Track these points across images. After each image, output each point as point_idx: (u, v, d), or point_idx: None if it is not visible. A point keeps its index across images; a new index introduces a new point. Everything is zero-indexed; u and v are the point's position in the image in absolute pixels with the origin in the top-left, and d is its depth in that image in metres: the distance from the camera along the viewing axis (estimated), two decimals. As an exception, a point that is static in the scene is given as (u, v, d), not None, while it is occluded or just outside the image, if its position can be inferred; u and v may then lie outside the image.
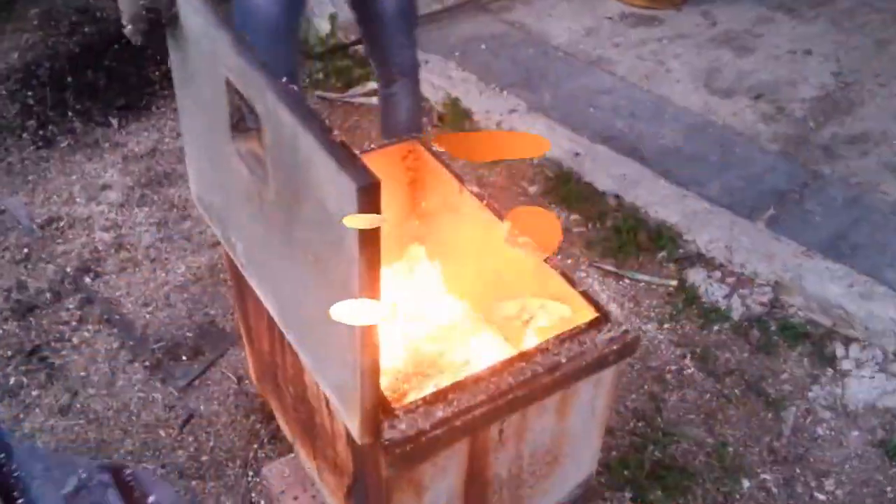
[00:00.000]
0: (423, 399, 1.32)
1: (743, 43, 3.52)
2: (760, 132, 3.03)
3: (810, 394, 2.21)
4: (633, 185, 2.64)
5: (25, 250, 2.65)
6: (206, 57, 1.32)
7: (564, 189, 2.74)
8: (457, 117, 3.05)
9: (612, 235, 2.61)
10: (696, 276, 2.47)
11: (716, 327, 2.38)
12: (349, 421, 1.27)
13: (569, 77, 3.24)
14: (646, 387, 2.21)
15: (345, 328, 1.09)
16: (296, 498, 1.91)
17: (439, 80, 3.14)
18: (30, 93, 3.28)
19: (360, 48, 3.38)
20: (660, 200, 2.58)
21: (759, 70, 3.34)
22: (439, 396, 1.33)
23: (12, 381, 2.27)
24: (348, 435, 1.37)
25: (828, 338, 2.33)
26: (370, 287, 1.05)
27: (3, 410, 2.19)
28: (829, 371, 2.26)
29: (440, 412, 1.31)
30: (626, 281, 2.51)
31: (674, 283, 2.48)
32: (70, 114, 3.21)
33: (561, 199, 2.75)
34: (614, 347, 1.45)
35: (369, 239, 1.00)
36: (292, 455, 1.96)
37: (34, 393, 2.24)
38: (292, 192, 1.18)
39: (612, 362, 1.46)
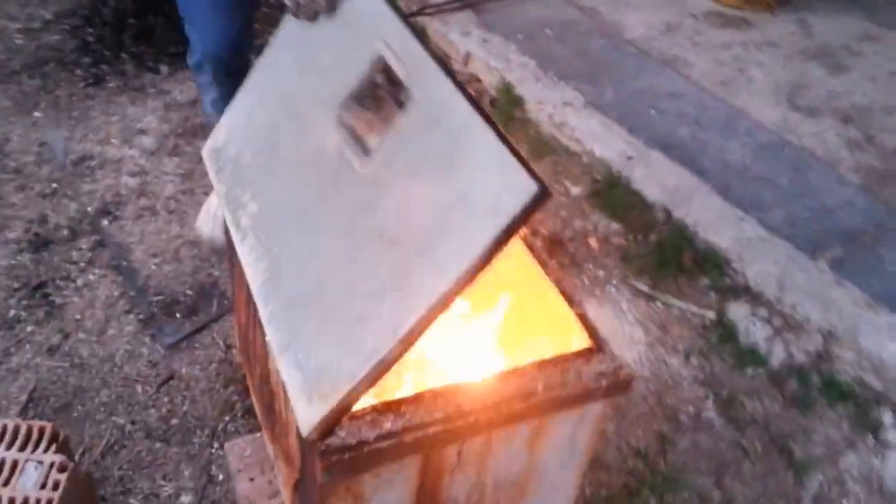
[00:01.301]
0: (373, 407, 1.16)
1: (838, 59, 3.17)
2: (842, 159, 2.72)
3: (843, 461, 1.94)
4: (685, 199, 2.40)
5: (54, 185, 2.61)
6: (356, 30, 1.34)
7: (610, 194, 2.52)
8: (508, 104, 2.85)
9: (654, 252, 2.38)
10: (738, 310, 2.22)
11: (749, 371, 2.12)
12: (302, 411, 1.13)
13: (636, 74, 2.99)
14: (655, 424, 1.99)
15: (394, 314, 1.08)
16: (252, 479, 1.79)
17: (496, 61, 2.94)
18: (90, 30, 3.27)
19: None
20: (712, 221, 2.33)
21: (851, 91, 3.00)
22: (391, 407, 1.17)
23: (12, 313, 2.22)
24: (298, 429, 1.24)
25: (875, 402, 2.03)
26: (467, 281, 1.05)
27: (-3, 341, 2.16)
28: (870, 440, 1.99)
29: (389, 424, 1.15)
30: (659, 304, 2.27)
31: (712, 314, 2.23)
32: (124, 55, 3.17)
33: (604, 204, 2.53)
34: (603, 384, 1.26)
35: (504, 238, 1.03)
36: (259, 434, 1.85)
37: (29, 329, 2.18)
38: (410, 173, 1.16)
39: (599, 399, 1.28)
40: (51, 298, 2.27)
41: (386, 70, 1.25)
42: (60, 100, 2.97)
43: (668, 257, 2.33)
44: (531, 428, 1.26)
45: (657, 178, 2.47)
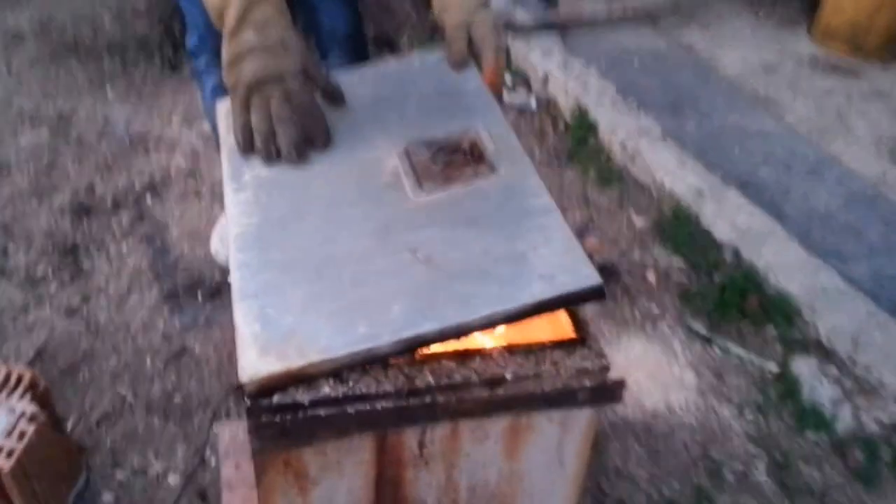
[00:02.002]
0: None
1: (954, 119, 2.92)
2: (946, 224, 2.46)
3: (909, 549, 1.69)
4: (757, 241, 2.20)
5: (109, 158, 2.67)
6: (454, 100, 1.36)
7: (675, 229, 2.35)
8: (580, 129, 2.74)
9: (716, 293, 2.18)
10: (804, 366, 1.99)
11: (810, 435, 1.88)
12: (248, 361, 1.00)
13: (725, 111, 2.82)
14: (695, 478, 1.78)
15: (403, 317, 1.03)
16: (237, 466, 1.70)
17: (574, 84, 2.84)
18: (177, 22, 3.39)
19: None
20: (786, 266, 2.12)
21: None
22: (333, 373, 1.02)
23: (39, 272, 2.25)
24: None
25: (957, 487, 1.78)
26: (490, 325, 1.06)
27: (19, 296, 2.18)
28: (945, 529, 1.72)
29: (328, 389, 1.04)
30: (716, 349, 2.07)
31: (774, 366, 2.01)
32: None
33: (668, 239, 2.36)
34: (586, 384, 1.10)
35: (546, 308, 1.06)
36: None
37: (52, 288, 2.20)
38: (467, 220, 1.16)
39: (583, 403, 1.12)
40: (80, 262, 2.28)
41: (473, 143, 1.24)
42: (134, 80, 3.07)
43: (732, 300, 2.13)
44: (504, 427, 1.12)
45: (729, 217, 2.28)
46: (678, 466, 1.81)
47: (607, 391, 1.11)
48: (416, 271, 1.09)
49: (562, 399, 1.09)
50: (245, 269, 1.12)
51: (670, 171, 2.46)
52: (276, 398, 1.00)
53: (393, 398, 1.04)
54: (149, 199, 2.50)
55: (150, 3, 3.44)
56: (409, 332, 1.01)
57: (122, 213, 2.45)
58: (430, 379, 1.05)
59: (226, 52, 1.18)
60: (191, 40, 1.97)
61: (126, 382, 1.96)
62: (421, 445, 1.11)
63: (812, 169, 2.55)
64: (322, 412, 1.02)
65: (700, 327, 2.11)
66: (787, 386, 1.96)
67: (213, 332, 2.09)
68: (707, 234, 2.28)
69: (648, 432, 1.86)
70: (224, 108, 1.43)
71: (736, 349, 2.06)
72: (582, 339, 1.11)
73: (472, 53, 1.30)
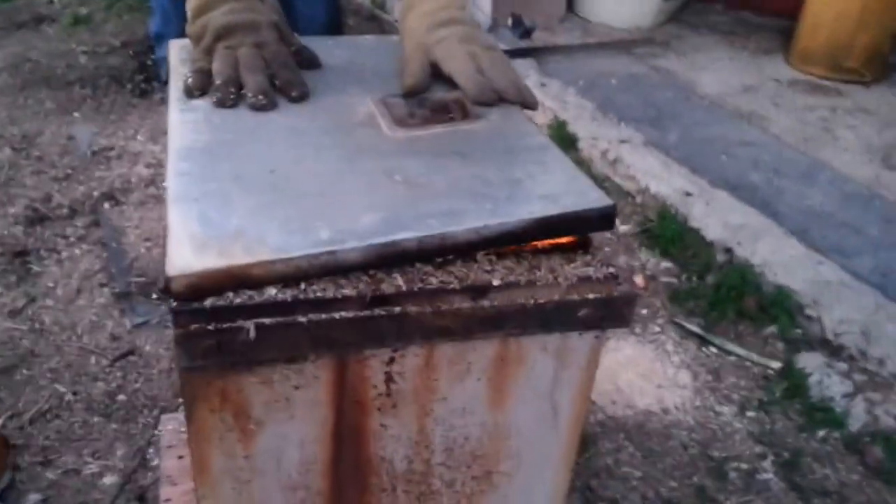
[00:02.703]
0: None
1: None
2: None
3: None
4: (752, 238, 2.05)
5: (69, 171, 2.51)
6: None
7: (662, 231, 2.20)
8: (561, 142, 2.63)
9: (709, 293, 2.02)
10: (810, 361, 1.81)
11: (820, 433, 1.70)
12: (179, 255, 0.79)
13: (707, 124, 2.73)
14: (696, 477, 1.58)
15: (376, 226, 0.86)
16: (181, 457, 1.48)
17: (552, 102, 2.75)
18: (153, 56, 3.30)
19: None
20: (784, 262, 1.97)
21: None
22: (284, 272, 0.81)
23: (-17, 276, 2.06)
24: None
25: None
26: (481, 241, 0.91)
27: (-44, 300, 1.97)
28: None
29: (274, 291, 0.85)
30: (713, 349, 1.90)
31: (776, 364, 1.84)
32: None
33: (655, 242, 2.21)
34: (588, 296, 0.92)
35: (546, 227, 0.91)
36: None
37: (-5, 291, 2.01)
38: (454, 152, 1.00)
39: (584, 323, 0.93)
40: (29, 266, 2.10)
41: (457, 99, 1.09)
42: (103, 105, 2.95)
43: (727, 299, 1.97)
44: (489, 356, 0.92)
45: (720, 216, 2.15)
46: (675, 466, 1.61)
47: (614, 308, 0.92)
48: (393, 190, 0.91)
49: (559, 316, 0.91)
50: (186, 176, 0.93)
51: (655, 174, 2.33)
52: (209, 301, 0.81)
53: (355, 306, 0.85)
54: (106, 206, 2.33)
55: (125, 41, 3.38)
56: (379, 240, 0.83)
57: (78, 219, 2.28)
58: (401, 283, 0.86)
59: (191, 2, 1.07)
60: (154, 24, 1.85)
61: (67, 381, 1.76)
62: (388, 378, 0.91)
63: (803, 173, 2.44)
64: (267, 321, 0.82)
65: (694, 327, 1.94)
66: (792, 383, 1.79)
67: (167, 332, 1.89)
68: (696, 235, 2.14)
69: (642, 432, 1.67)
70: (178, 44, 1.29)
71: (734, 348, 1.89)
72: (584, 244, 0.94)
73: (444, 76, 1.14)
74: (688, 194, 2.23)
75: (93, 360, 1.81)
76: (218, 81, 1.03)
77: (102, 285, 2.02)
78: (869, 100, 3.00)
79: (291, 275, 0.82)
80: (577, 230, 0.92)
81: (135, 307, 1.96)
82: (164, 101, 2.99)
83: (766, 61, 3.32)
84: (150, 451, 1.60)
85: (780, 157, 2.54)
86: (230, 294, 0.81)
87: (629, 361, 1.83)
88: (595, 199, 0.92)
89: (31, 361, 1.80)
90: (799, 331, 1.90)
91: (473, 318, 0.89)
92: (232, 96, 1.02)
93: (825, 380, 1.77)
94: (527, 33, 3.24)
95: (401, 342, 0.88)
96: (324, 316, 0.84)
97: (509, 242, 0.89)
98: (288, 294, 0.82)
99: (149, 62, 3.23)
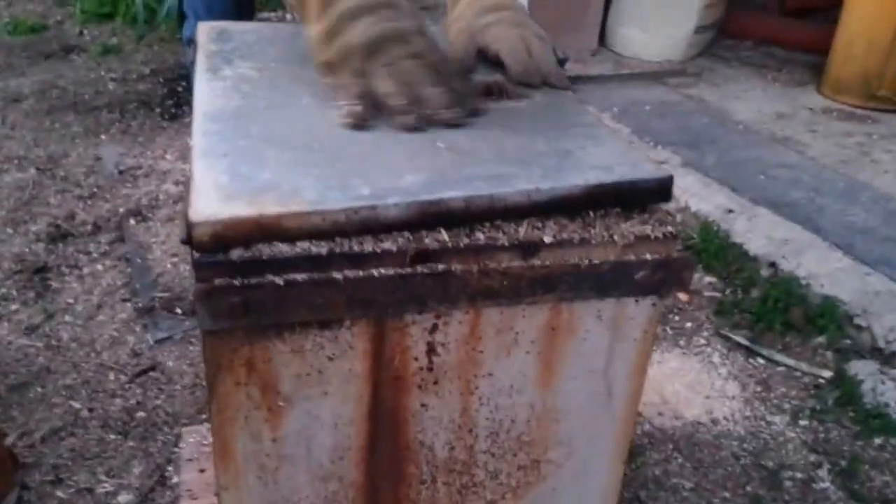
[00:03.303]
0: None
1: None
2: None
3: None
4: (796, 252, 1.97)
5: (95, 189, 2.48)
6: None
7: (703, 247, 2.12)
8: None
9: (755, 306, 1.93)
10: (862, 369, 1.71)
11: (877, 440, 1.59)
12: (206, 202, 0.73)
13: (743, 147, 2.66)
14: (749, 487, 1.46)
15: (420, 186, 0.80)
16: (202, 471, 1.39)
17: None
18: (182, 83, 3.29)
19: None
20: (831, 273, 1.88)
21: None
22: (320, 227, 0.74)
23: (2, 291, 2.00)
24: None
25: None
26: (530, 205, 0.88)
27: (-26, 315, 1.92)
28: None
29: (309, 245, 0.78)
30: (760, 361, 1.80)
31: (827, 373, 1.74)
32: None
33: (695, 256, 2.12)
34: (646, 256, 0.84)
35: (597, 195, 0.86)
36: (225, 424, 1.47)
37: (13, 307, 1.94)
38: (496, 123, 0.95)
39: (642, 287, 0.85)
40: (48, 282, 2.05)
41: (498, 82, 1.03)
42: (131, 128, 2.93)
43: (773, 311, 1.88)
44: (538, 325, 0.84)
45: (763, 231, 2.07)
46: (727, 476, 1.50)
47: (673, 270, 0.85)
48: (437, 155, 0.85)
49: (615, 279, 0.83)
50: (214, 135, 0.88)
51: (695, 193, 2.26)
52: (236, 253, 0.74)
53: (396, 262, 0.78)
54: (132, 223, 2.28)
55: (155, 68, 3.38)
56: (424, 198, 0.76)
57: (102, 236, 2.23)
58: (446, 238, 0.79)
59: (319, 27, 0.93)
60: (188, 29, 1.82)
61: (83, 398, 1.68)
62: (430, 350, 0.84)
63: (844, 192, 2.35)
64: (299, 276, 0.75)
65: (741, 339, 1.84)
66: (845, 391, 1.68)
67: (191, 347, 1.82)
68: (739, 250, 2.06)
69: (691, 442, 1.56)
70: (208, 25, 1.25)
71: (782, 358, 1.80)
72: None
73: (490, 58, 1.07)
74: (729, 211, 2.15)
75: (111, 376, 1.73)
76: (396, 103, 0.90)
77: (125, 300, 1.96)
78: (906, 126, 2.93)
79: (327, 230, 0.75)
80: (633, 201, 0.85)
81: (158, 322, 1.89)
82: (187, 68, 2.98)
83: (799, 92, 3.27)
84: (170, 468, 1.51)
85: (819, 177, 2.46)
86: (259, 246, 0.75)
87: (674, 373, 1.73)
88: (651, 169, 0.86)
89: (46, 378, 1.72)
90: (848, 340, 1.81)
91: (523, 279, 0.81)
92: (419, 116, 0.90)
93: (879, 387, 1.66)
94: (560, 64, 3.23)
95: (444, 305, 0.80)
96: (361, 273, 0.76)
97: (561, 210, 0.82)
98: (323, 248, 0.76)
99: (179, 88, 3.23)
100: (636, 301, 0.86)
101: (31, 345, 1.82)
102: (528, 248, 0.80)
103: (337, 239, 0.76)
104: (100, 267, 2.09)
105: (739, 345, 1.85)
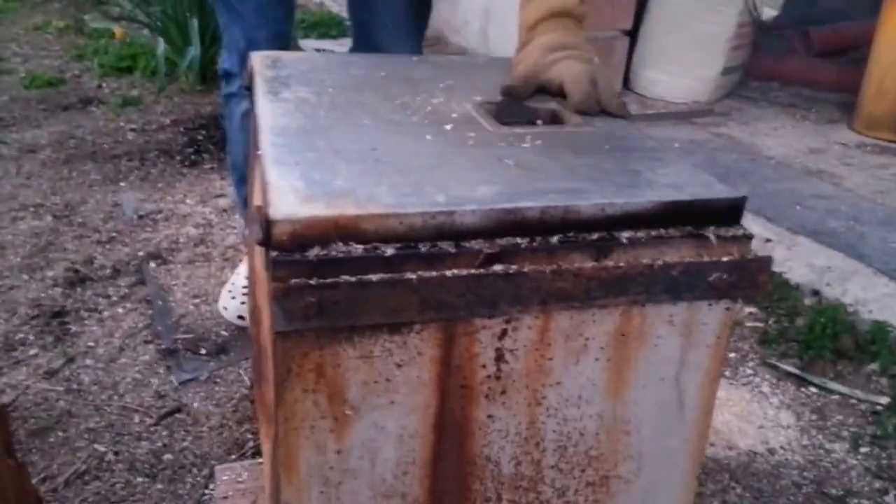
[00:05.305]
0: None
1: None
2: None
3: None
4: (841, 279, 1.98)
5: (113, 234, 2.51)
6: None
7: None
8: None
9: (802, 335, 1.93)
10: (922, 398, 1.71)
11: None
12: (285, 202, 0.77)
13: (777, 180, 2.69)
14: (815, 517, 1.45)
15: (495, 194, 0.85)
16: (236, 511, 1.38)
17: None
18: (203, 132, 3.36)
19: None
20: (879, 298, 1.89)
21: None
22: (396, 230, 0.78)
23: (19, 336, 2.01)
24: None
25: None
26: (602, 215, 0.91)
27: (-8, 360, 1.93)
28: None
29: (388, 249, 0.79)
30: (812, 389, 1.78)
31: (884, 399, 1.72)
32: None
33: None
34: (722, 258, 0.86)
35: (672, 212, 0.89)
36: (259, 460, 1.47)
37: (31, 352, 1.95)
38: (562, 146, 1.00)
39: (714, 291, 0.86)
40: (67, 326, 2.06)
41: (554, 111, 1.12)
42: (150, 175, 2.97)
43: (821, 339, 1.88)
44: (608, 331, 0.86)
45: (804, 260, 2.08)
46: (790, 508, 1.48)
47: (747, 273, 0.87)
48: (507, 170, 0.89)
49: (688, 280, 0.85)
50: (283, 147, 0.91)
51: (729, 225, 2.28)
52: (314, 251, 0.77)
53: (469, 263, 0.80)
54: (153, 265, 2.31)
55: (176, 119, 3.45)
56: (502, 205, 0.80)
57: (121, 279, 2.25)
58: (518, 240, 0.81)
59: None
60: (226, 62, 1.87)
61: (107, 441, 1.67)
62: (499, 357, 0.85)
63: (884, 221, 2.37)
64: (373, 277, 0.77)
65: (791, 368, 1.84)
66: (906, 420, 1.67)
67: (217, 388, 1.82)
68: (780, 279, 2.06)
69: (748, 472, 1.54)
70: (261, 54, 1.29)
71: (836, 386, 1.79)
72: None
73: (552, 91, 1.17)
74: (767, 241, 2.17)
75: (136, 419, 1.73)
76: (578, 92, 1.10)
77: (147, 342, 1.97)
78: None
79: (404, 233, 0.78)
80: (705, 220, 0.87)
81: (181, 363, 1.89)
82: (213, 169, 3.05)
83: (830, 129, 3.32)
84: (201, 510, 1.51)
85: (857, 207, 2.48)
86: (336, 246, 0.78)
87: (723, 403, 1.72)
88: (723, 189, 0.89)
89: (68, 422, 1.72)
90: (904, 369, 1.81)
91: (595, 280, 0.83)
92: (595, 105, 1.10)
93: (944, 416, 1.65)
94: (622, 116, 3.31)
95: (516, 307, 0.82)
96: (434, 273, 0.79)
97: (634, 225, 0.84)
98: (398, 249, 0.78)
99: (199, 136, 3.29)
100: (709, 305, 0.88)
101: (52, 389, 1.83)
102: (602, 249, 0.82)
103: (412, 243, 0.79)
104: (120, 310, 2.11)
105: (789, 374, 1.84)
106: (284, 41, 1.85)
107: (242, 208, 2.03)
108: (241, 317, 2.02)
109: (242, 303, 2.01)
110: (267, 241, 0.75)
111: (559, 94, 1.12)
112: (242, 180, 1.91)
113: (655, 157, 0.97)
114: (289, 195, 0.78)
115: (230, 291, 2.07)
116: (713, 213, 0.87)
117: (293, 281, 0.75)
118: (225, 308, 2.05)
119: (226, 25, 1.85)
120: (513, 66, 1.19)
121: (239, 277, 2.07)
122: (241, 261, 2.20)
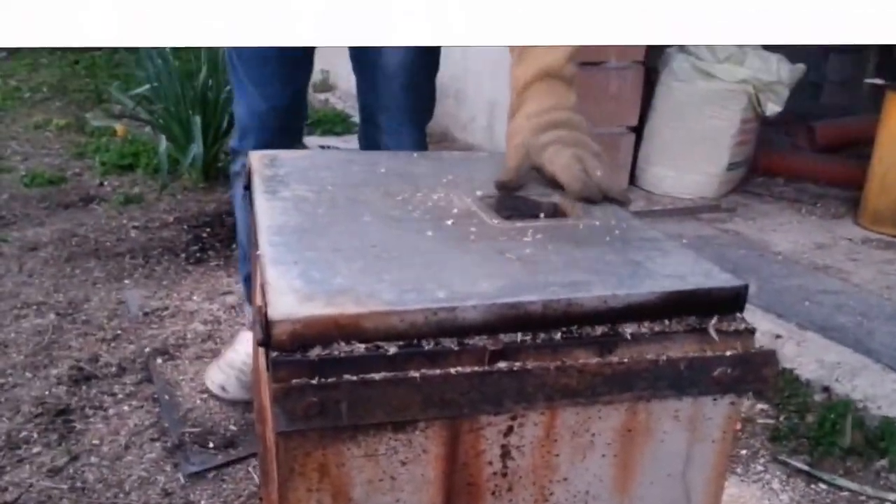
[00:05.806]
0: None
1: None
2: None
3: None
4: (850, 375, 2.03)
5: (118, 332, 2.58)
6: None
7: (752, 375, 2.16)
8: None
9: (811, 431, 1.97)
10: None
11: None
12: (284, 302, 0.81)
13: (785, 276, 2.77)
14: None
15: (499, 288, 0.89)
16: None
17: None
18: (208, 229, 3.46)
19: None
20: (887, 394, 1.94)
21: None
22: (397, 327, 0.81)
23: (23, 434, 2.05)
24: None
25: None
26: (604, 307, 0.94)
27: (-6, 459, 1.95)
28: None
29: (391, 348, 0.84)
30: (822, 486, 1.82)
31: (893, 496, 1.77)
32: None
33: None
34: (726, 352, 0.90)
35: (673, 303, 0.94)
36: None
37: (35, 450, 2.00)
38: (565, 239, 1.05)
39: (719, 385, 0.90)
40: (72, 424, 2.11)
41: (555, 204, 1.18)
42: (155, 272, 3.06)
43: (831, 435, 1.91)
44: (614, 427, 0.90)
45: (813, 355, 2.14)
46: None
47: (752, 367, 0.91)
48: (508, 264, 0.95)
49: (693, 375, 0.89)
50: (281, 246, 0.97)
51: (738, 320, 2.33)
52: (315, 351, 0.80)
53: (473, 361, 0.84)
54: (159, 362, 2.36)
55: (179, 216, 3.57)
56: (504, 300, 0.85)
57: (127, 377, 2.31)
58: (522, 337, 0.86)
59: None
60: (236, 142, 1.97)
61: (114, 539, 1.69)
62: (505, 453, 0.89)
63: (891, 316, 2.44)
64: (376, 376, 0.81)
65: (800, 464, 1.88)
66: (919, 518, 1.69)
67: (224, 485, 1.86)
68: (790, 375, 2.11)
69: (764, 571, 1.55)
70: (258, 153, 1.35)
71: (845, 483, 1.84)
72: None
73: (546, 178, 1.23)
74: (777, 337, 2.22)
75: (143, 515, 1.76)
76: (575, 177, 1.15)
77: (153, 440, 2.01)
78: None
79: (405, 331, 0.83)
80: (708, 309, 0.92)
81: (189, 456, 1.93)
82: (219, 265, 3.12)
83: (836, 224, 3.43)
84: None
85: (865, 302, 2.55)
86: (336, 345, 0.82)
87: (735, 500, 1.76)
88: (725, 278, 0.94)
89: (73, 520, 1.75)
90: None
91: (600, 376, 0.88)
92: (596, 193, 1.15)
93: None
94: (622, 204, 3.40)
95: (521, 404, 0.86)
96: (438, 371, 0.83)
97: (637, 316, 0.90)
98: (405, 350, 0.82)
99: (204, 234, 3.38)
100: (714, 400, 0.92)
101: (55, 487, 1.86)
102: (606, 344, 0.87)
103: (415, 340, 0.83)
104: (126, 408, 2.15)
105: (799, 470, 1.90)
106: (288, 114, 1.91)
107: (247, 290, 2.11)
108: (223, 388, 2.16)
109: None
110: (267, 342, 0.78)
111: (553, 183, 1.18)
112: (246, 258, 1.99)
113: (656, 247, 1.03)
114: (288, 295, 0.83)
115: (220, 366, 2.20)
116: (716, 301, 0.92)
117: (294, 381, 0.78)
118: (212, 382, 2.18)
119: (235, 102, 1.98)
120: (506, 138, 1.25)
121: (238, 354, 2.17)
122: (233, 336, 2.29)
